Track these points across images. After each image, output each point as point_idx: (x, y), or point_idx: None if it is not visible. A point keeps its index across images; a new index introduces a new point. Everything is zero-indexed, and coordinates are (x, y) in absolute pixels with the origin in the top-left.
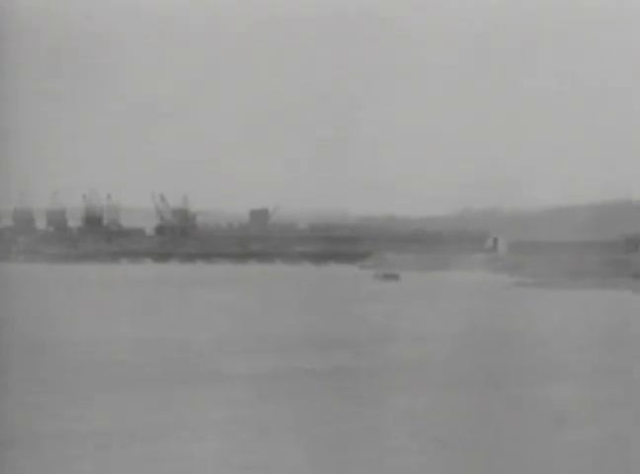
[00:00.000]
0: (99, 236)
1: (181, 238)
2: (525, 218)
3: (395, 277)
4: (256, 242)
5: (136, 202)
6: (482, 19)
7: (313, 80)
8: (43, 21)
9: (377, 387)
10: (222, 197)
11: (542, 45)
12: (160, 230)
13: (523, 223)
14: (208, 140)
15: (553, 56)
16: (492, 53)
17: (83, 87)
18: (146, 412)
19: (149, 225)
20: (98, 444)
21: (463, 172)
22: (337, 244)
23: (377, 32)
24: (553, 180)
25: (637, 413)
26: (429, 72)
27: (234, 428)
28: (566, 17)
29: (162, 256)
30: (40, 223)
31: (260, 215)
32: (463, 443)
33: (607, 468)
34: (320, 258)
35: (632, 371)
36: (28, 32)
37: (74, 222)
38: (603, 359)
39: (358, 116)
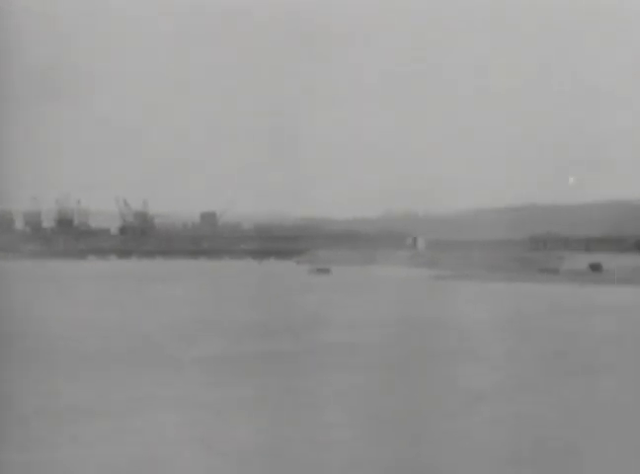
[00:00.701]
0: (70, 236)
1: (141, 237)
2: (442, 219)
3: (327, 271)
4: (206, 241)
5: (103, 206)
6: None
7: (253, 91)
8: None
9: (314, 368)
10: (177, 202)
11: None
12: (123, 230)
13: (441, 224)
14: (165, 153)
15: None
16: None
17: (65, 102)
18: (111, 391)
19: (114, 226)
20: (68, 419)
21: (385, 177)
22: (277, 242)
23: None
24: (468, 184)
25: (545, 392)
26: (357, 79)
27: (189, 404)
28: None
29: (125, 253)
30: (19, 224)
31: (209, 217)
32: (392, 418)
33: (520, 440)
34: (262, 254)
35: (541, 355)
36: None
37: (48, 223)
38: (515, 344)
39: (297, 126)
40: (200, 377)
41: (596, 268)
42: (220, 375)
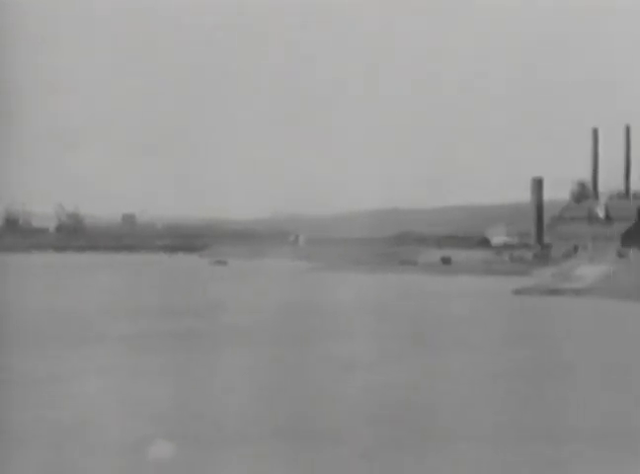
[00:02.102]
0: (16, 233)
1: (74, 235)
2: (320, 220)
3: (224, 263)
4: (127, 238)
5: (43, 209)
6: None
7: (164, 110)
8: None
9: (215, 343)
10: (103, 205)
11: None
12: (59, 229)
13: (318, 224)
14: (93, 164)
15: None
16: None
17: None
18: (51, 363)
19: (51, 225)
20: (17, 386)
21: (273, 184)
22: (184, 239)
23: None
24: (342, 190)
25: (405, 364)
26: (249, 83)
27: (113, 372)
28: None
29: (61, 248)
30: None
31: (129, 218)
32: (277, 385)
33: (383, 403)
34: (172, 249)
35: (402, 333)
36: None
37: None
38: (380, 323)
39: (201, 142)
40: (122, 351)
41: (446, 261)
42: (139, 349)
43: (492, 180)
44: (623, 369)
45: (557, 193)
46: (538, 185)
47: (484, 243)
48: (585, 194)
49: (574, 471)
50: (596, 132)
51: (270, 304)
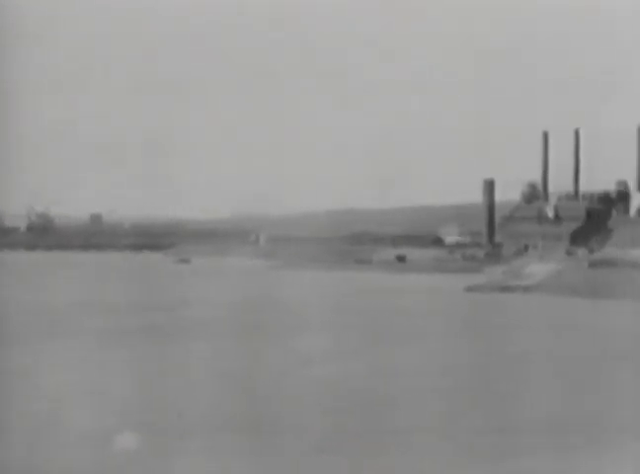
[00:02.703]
0: None
1: (44, 234)
2: (279, 219)
3: (188, 261)
4: (95, 237)
5: (14, 209)
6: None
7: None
8: None
9: (180, 336)
10: (72, 205)
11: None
12: (30, 228)
13: (278, 223)
14: (62, 168)
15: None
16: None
17: None
18: (26, 356)
19: (22, 225)
20: None
21: (233, 187)
22: (150, 238)
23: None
24: (300, 191)
25: (361, 356)
26: (209, 86)
27: (86, 365)
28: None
29: (31, 246)
30: None
31: (97, 218)
32: (240, 375)
33: (340, 393)
34: (138, 248)
35: (357, 327)
36: None
37: None
38: (336, 318)
39: (166, 146)
40: (94, 344)
41: (401, 259)
42: (109, 341)
43: (445, 181)
44: (569, 360)
45: (508, 194)
46: (490, 186)
47: (437, 242)
48: (535, 194)
49: (526, 460)
50: (546, 135)
51: (231, 300)
